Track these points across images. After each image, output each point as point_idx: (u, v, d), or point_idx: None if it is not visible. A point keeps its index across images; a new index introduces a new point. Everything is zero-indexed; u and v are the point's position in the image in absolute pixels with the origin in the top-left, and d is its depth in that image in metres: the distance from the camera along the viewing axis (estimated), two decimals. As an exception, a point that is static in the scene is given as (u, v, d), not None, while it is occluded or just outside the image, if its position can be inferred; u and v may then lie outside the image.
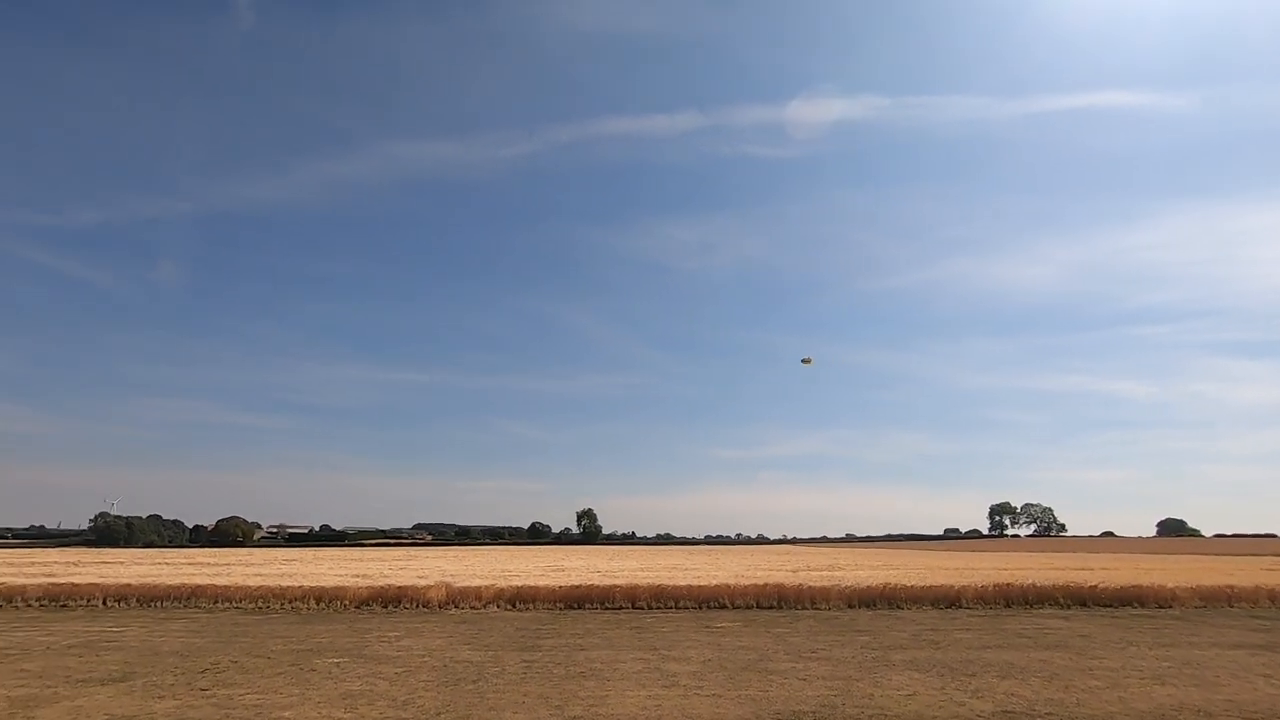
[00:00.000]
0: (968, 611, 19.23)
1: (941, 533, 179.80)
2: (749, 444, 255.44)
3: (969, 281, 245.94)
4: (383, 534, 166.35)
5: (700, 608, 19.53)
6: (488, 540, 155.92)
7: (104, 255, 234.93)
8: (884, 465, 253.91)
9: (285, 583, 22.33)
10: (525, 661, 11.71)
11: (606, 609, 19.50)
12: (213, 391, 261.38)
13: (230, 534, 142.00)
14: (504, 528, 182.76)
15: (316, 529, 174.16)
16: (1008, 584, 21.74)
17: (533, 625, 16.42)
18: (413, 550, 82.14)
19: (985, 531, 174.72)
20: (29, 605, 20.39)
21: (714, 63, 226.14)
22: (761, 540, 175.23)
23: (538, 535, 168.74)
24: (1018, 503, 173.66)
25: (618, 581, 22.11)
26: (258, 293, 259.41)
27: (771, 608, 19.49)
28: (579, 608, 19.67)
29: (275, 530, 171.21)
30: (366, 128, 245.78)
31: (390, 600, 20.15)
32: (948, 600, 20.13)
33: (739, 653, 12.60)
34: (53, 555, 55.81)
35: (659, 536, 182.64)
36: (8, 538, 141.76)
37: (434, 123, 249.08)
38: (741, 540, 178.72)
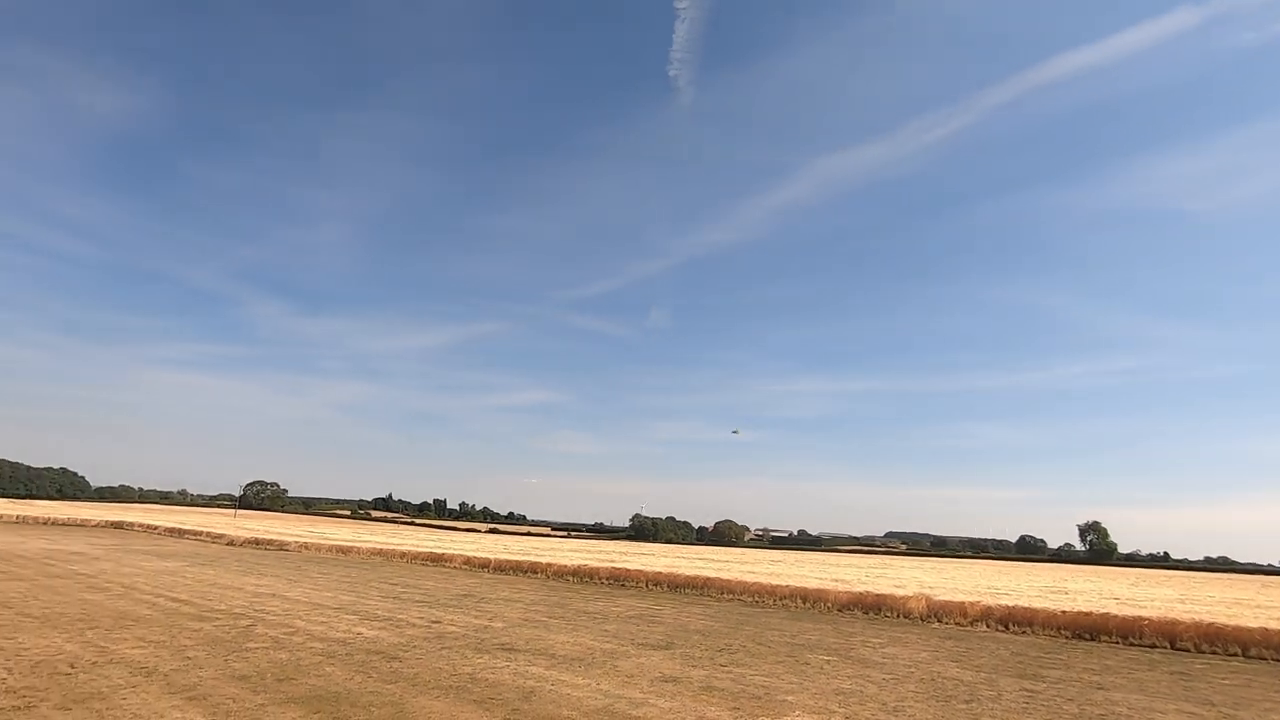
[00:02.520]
0: None
1: None
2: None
3: None
4: (855, 541, 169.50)
5: (1288, 660, 14.46)
6: (968, 553, 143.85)
7: (615, 312, 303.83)
8: None
9: (774, 581, 24.87)
10: (1027, 691, 10.60)
11: (1130, 645, 16.11)
12: (705, 413, 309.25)
13: (725, 535, 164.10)
14: (986, 540, 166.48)
15: (795, 533, 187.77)
16: None
17: (1030, 651, 14.68)
18: (887, 559, 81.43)
19: None
20: (600, 582, 27.39)
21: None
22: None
23: (1029, 550, 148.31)
24: None
25: (1145, 613, 18.02)
26: (727, 324, 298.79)
27: None
28: (1090, 639, 16.73)
29: (761, 533, 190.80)
30: (797, 155, 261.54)
31: (870, 607, 20.55)
32: None
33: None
34: (608, 546, 73.51)
35: (1206, 560, 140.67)
36: (583, 532, 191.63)
37: (856, 129, 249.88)
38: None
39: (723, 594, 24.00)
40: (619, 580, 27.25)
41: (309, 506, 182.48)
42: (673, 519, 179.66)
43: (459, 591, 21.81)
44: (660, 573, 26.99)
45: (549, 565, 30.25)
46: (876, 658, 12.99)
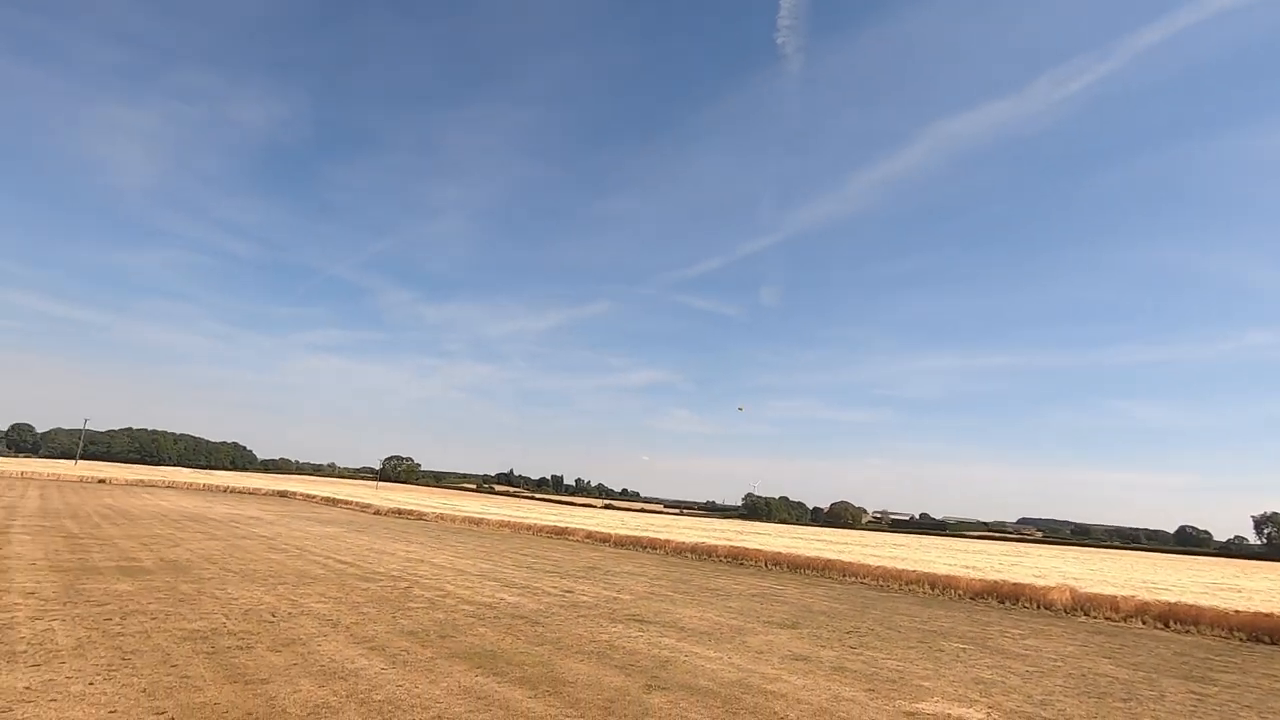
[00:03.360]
0: None
1: None
2: None
3: None
4: (984, 526, 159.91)
5: None
6: (1115, 543, 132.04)
7: (725, 290, 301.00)
8: None
9: (899, 566, 24.15)
10: (1195, 694, 9.82)
11: (1324, 651, 14.36)
12: (818, 391, 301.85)
13: (841, 516, 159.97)
14: (1138, 529, 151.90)
15: (916, 517, 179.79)
16: None
17: (1196, 652, 13.47)
18: (1021, 546, 76.37)
19: None
20: (718, 560, 27.74)
21: None
22: None
23: (1189, 542, 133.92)
24: None
25: (1341, 617, 15.94)
26: (838, 299, 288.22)
27: None
28: (1270, 643, 15.08)
29: (879, 515, 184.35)
30: (914, 119, 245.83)
31: (1005, 596, 19.56)
32: None
33: None
34: (722, 524, 73.82)
35: None
36: (695, 510, 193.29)
37: (979, 87, 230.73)
38: None
39: (844, 576, 23.64)
40: (737, 559, 27.47)
41: (439, 480, 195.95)
42: (786, 499, 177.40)
43: (585, 564, 22.88)
44: (779, 553, 26.93)
45: (667, 542, 30.96)
46: (1017, 649, 12.44)
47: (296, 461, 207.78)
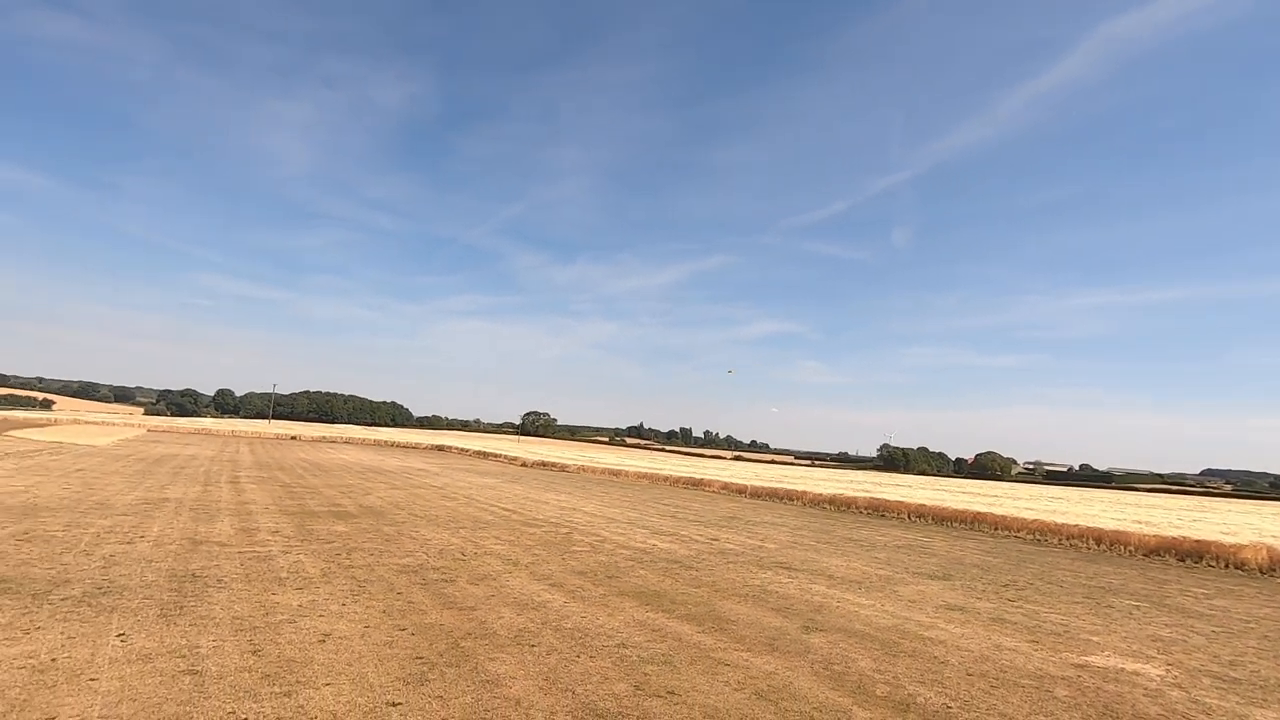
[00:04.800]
0: None
1: None
2: None
3: None
4: (1159, 478, 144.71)
5: None
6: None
7: (851, 234, 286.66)
8: None
9: (1057, 519, 22.84)
10: None
11: None
12: (957, 336, 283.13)
13: (988, 467, 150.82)
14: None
15: (1075, 468, 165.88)
16: None
17: None
18: (1204, 500, 68.59)
19: None
20: (858, 511, 27.56)
21: None
22: None
23: None
24: None
25: None
26: (979, 236, 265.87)
27: None
28: None
29: (1032, 466, 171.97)
30: (1065, 23, 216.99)
31: (1186, 554, 18.06)
32: None
33: None
34: (858, 476, 72.28)
35: None
36: (827, 461, 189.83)
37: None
38: None
39: (996, 529, 22.75)
40: (877, 510, 27.16)
41: (574, 434, 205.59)
42: (925, 449, 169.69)
43: (724, 514, 23.65)
44: (923, 505, 26.29)
45: (804, 493, 31.09)
46: (1200, 609, 11.66)
47: (446, 418, 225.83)
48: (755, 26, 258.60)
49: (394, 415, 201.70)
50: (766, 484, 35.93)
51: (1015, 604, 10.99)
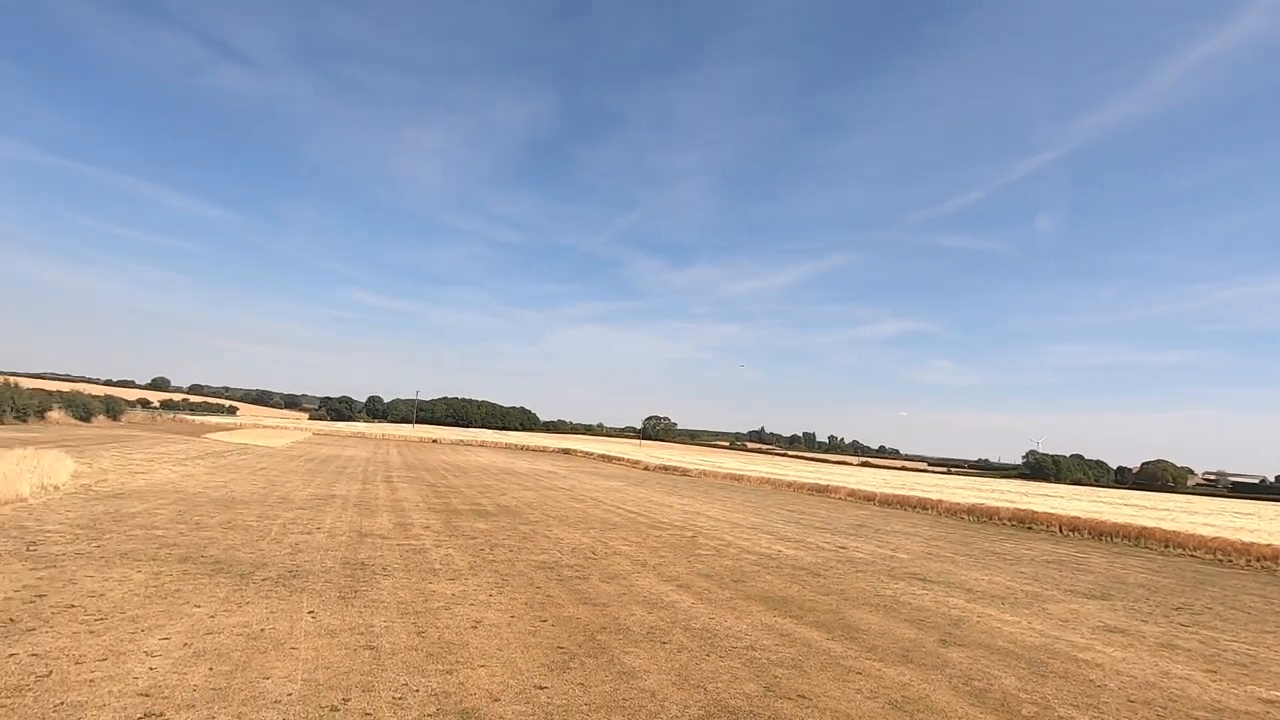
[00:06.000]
0: None
1: None
2: None
3: None
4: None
5: None
6: None
7: (986, 225, 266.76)
8: None
9: (1244, 538, 20.16)
10: None
11: None
12: (1117, 331, 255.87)
13: (1157, 477, 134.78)
14: None
15: (1271, 479, 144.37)
16: None
17: None
18: None
19: None
20: (1000, 523, 25.72)
21: None
22: None
23: None
24: None
25: None
26: (1142, 219, 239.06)
27: None
28: None
29: (1213, 477, 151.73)
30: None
31: None
32: None
33: None
34: (1000, 484, 67.10)
35: None
36: (964, 468, 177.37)
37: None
38: None
39: (1166, 547, 20.45)
40: (1023, 522, 25.22)
41: (694, 438, 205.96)
42: (1079, 457, 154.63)
43: (852, 521, 22.94)
44: (1076, 517, 24.11)
45: (939, 502, 29.45)
46: None
47: (571, 422, 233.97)
48: (875, 12, 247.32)
49: (522, 420, 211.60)
50: (896, 491, 34.35)
51: (1189, 629, 9.93)
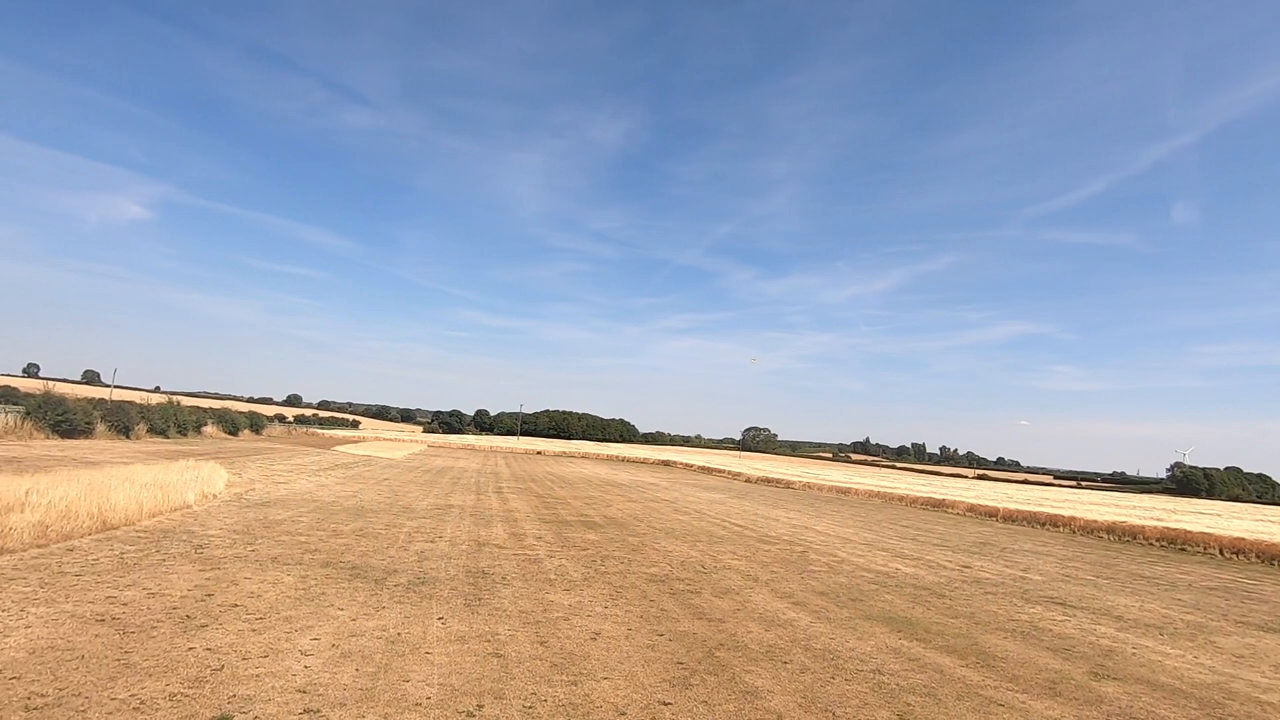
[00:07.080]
0: None
1: None
2: None
3: None
4: None
5: None
6: None
7: (1110, 218, 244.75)
8: None
9: None
10: None
11: None
12: (1273, 328, 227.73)
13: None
14: None
15: None
16: None
17: None
18: None
19: None
20: (1146, 543, 23.32)
21: None
22: None
23: None
24: None
25: None
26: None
27: None
28: None
29: None
30: None
31: None
32: None
33: None
34: (1142, 500, 60.90)
35: None
36: (1097, 482, 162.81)
37: None
38: None
39: (1359, 575, 17.81)
40: (1173, 542, 22.76)
41: (795, 449, 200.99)
42: (1237, 470, 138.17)
43: (974, 539, 21.54)
44: (1241, 538, 21.48)
45: (1072, 519, 27.12)
46: None
47: (669, 434, 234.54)
48: (978, 1, 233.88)
49: (621, 431, 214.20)
50: (1021, 506, 31.95)
51: (1400, 672, 8.56)
